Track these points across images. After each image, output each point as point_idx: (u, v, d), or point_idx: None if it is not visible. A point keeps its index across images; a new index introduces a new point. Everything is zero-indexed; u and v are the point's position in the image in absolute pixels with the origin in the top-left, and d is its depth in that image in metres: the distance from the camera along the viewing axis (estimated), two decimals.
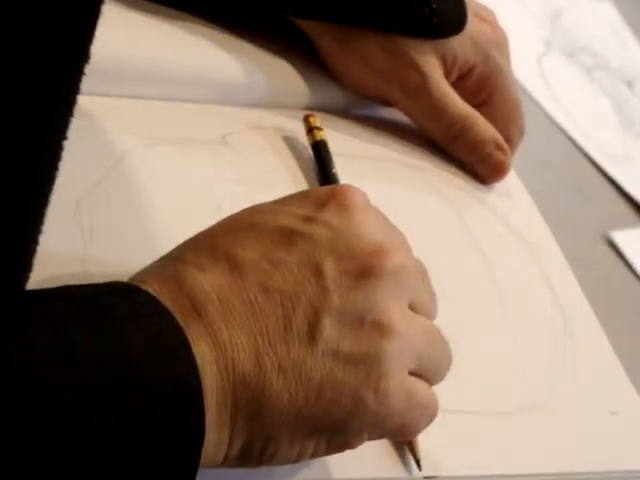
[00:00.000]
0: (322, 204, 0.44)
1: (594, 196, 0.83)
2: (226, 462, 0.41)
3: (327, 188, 0.45)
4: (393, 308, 0.42)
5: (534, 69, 0.94)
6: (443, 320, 0.59)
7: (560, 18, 1.05)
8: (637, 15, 1.13)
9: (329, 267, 0.41)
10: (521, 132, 0.72)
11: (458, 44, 0.68)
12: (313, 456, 0.42)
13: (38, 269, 0.48)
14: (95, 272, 0.50)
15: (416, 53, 0.67)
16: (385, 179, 0.67)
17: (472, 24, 0.69)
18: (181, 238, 0.54)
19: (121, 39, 0.63)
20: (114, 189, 0.56)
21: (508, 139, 0.70)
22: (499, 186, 0.71)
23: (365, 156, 0.68)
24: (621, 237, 0.78)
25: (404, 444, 0.51)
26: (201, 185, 0.59)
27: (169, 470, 0.37)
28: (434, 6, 0.66)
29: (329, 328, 0.41)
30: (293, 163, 0.65)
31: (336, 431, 0.42)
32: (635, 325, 0.71)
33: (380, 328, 0.42)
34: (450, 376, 0.55)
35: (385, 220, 0.46)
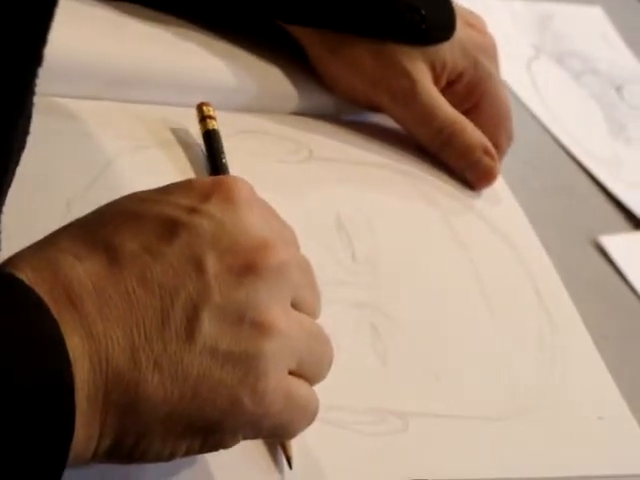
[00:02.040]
0: (206, 195, 0.42)
1: (583, 200, 0.83)
2: (95, 458, 0.39)
3: (212, 179, 0.44)
4: (274, 307, 0.41)
5: (523, 74, 0.95)
6: (431, 325, 0.59)
7: (549, 23, 1.05)
8: (626, 20, 1.13)
9: (211, 262, 0.40)
10: (509, 138, 0.72)
11: (447, 50, 0.69)
12: (186, 454, 0.41)
13: None
14: None
15: (406, 59, 0.68)
16: (374, 185, 0.67)
17: (461, 30, 0.69)
18: None
19: (111, 44, 0.63)
20: (104, 192, 0.56)
21: (497, 145, 0.71)
22: (487, 192, 0.71)
23: (354, 162, 0.68)
24: (609, 241, 0.78)
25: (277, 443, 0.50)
26: None
27: (36, 467, 0.36)
28: (423, 13, 0.67)
29: (208, 325, 0.39)
30: (281, 167, 0.65)
31: (211, 430, 0.41)
32: (622, 329, 0.71)
33: (260, 327, 0.40)
34: (439, 382, 0.56)
35: (271, 214, 0.45)
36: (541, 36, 1.02)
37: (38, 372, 0.35)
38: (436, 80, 0.69)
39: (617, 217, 0.83)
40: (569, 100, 0.95)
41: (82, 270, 0.38)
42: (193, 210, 0.41)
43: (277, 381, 0.41)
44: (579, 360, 0.63)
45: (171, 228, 0.40)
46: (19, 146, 0.44)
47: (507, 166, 0.74)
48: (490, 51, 0.71)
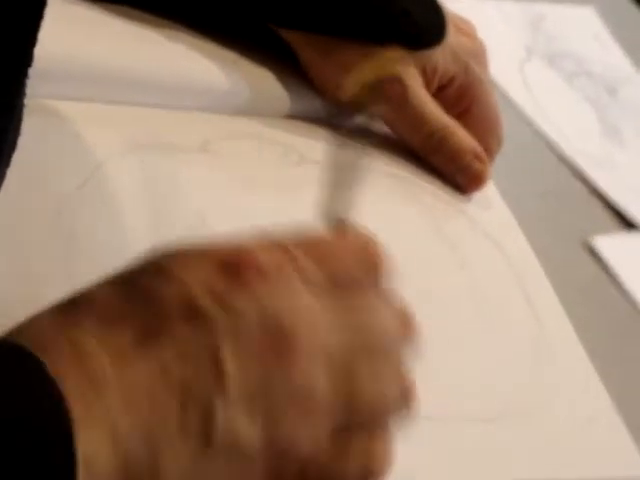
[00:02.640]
0: (227, 269, 0.39)
1: (575, 202, 0.83)
2: None
3: (233, 249, 0.40)
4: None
5: (516, 75, 0.95)
6: (421, 327, 0.59)
7: (542, 24, 1.05)
8: (619, 21, 1.14)
9: (229, 358, 0.37)
10: (500, 142, 0.73)
11: (438, 55, 0.69)
12: None
13: (21, 270, 0.49)
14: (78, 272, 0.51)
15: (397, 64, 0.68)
16: (365, 189, 0.68)
17: (452, 36, 0.69)
18: (161, 241, 0.54)
19: (103, 45, 0.64)
20: (96, 193, 0.56)
21: (487, 149, 0.71)
22: (478, 196, 0.72)
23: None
24: (602, 243, 0.78)
25: None
26: (182, 191, 0.60)
27: None
28: (415, 17, 0.67)
29: (222, 423, 0.37)
30: (274, 170, 0.65)
31: None
32: (614, 332, 0.71)
33: None
34: (427, 384, 0.56)
35: (291, 294, 0.40)
36: (533, 37, 1.02)
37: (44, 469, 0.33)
38: (427, 85, 0.69)
39: (609, 219, 0.83)
40: (561, 102, 0.95)
41: (107, 356, 0.36)
42: (214, 294, 0.38)
43: None
44: (568, 363, 0.63)
45: (194, 318, 0.37)
46: (10, 147, 0.44)
47: (499, 168, 0.75)
48: (480, 56, 0.71)
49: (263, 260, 0.39)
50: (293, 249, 0.41)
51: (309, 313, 0.40)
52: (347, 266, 0.43)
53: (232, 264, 0.39)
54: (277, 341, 0.38)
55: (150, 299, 0.38)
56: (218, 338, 0.37)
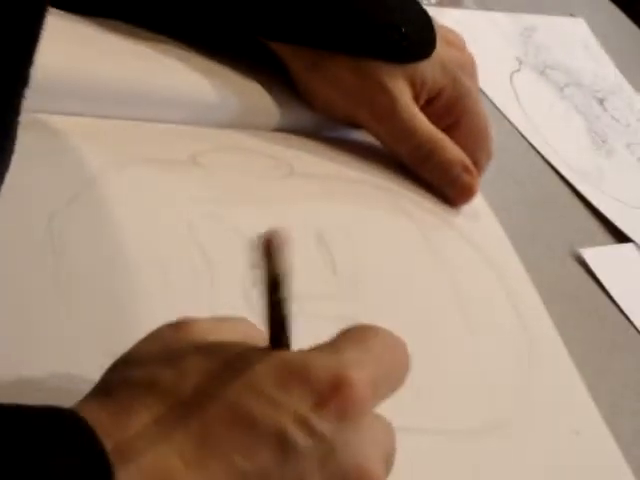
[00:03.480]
0: (323, 401, 0.39)
1: (564, 213, 0.83)
2: None
3: (331, 376, 0.39)
4: None
5: (506, 86, 0.95)
6: (409, 340, 0.59)
7: (532, 35, 1.06)
8: (609, 32, 1.14)
9: None
10: (489, 155, 0.73)
11: (427, 68, 0.69)
12: None
13: (8, 283, 0.49)
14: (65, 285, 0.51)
15: (386, 76, 0.68)
16: (354, 200, 0.68)
17: (441, 48, 0.70)
18: (151, 254, 0.54)
19: (93, 60, 0.63)
20: (86, 206, 0.56)
21: (475, 162, 0.71)
22: (466, 208, 0.72)
23: (334, 177, 0.68)
24: (590, 254, 0.78)
25: None
26: (172, 204, 0.60)
27: None
28: (404, 30, 0.67)
29: None
30: (263, 183, 0.65)
31: None
32: (603, 342, 0.71)
33: None
34: (413, 395, 0.56)
35: (374, 424, 0.42)
36: (524, 48, 1.02)
37: None
38: (416, 97, 0.70)
39: (598, 230, 0.83)
40: (551, 112, 0.96)
41: (181, 461, 0.36)
42: (306, 424, 0.38)
43: None
44: (555, 375, 0.63)
45: (283, 448, 0.38)
46: (4, 167, 0.44)
47: (489, 178, 0.75)
48: (469, 69, 0.72)
49: (359, 391, 0.40)
50: (374, 371, 0.41)
51: (379, 452, 0.41)
52: (397, 378, 0.44)
53: (329, 394, 0.39)
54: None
55: (243, 415, 0.38)
56: (304, 474, 0.38)
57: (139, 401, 0.38)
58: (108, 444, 0.35)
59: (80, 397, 0.39)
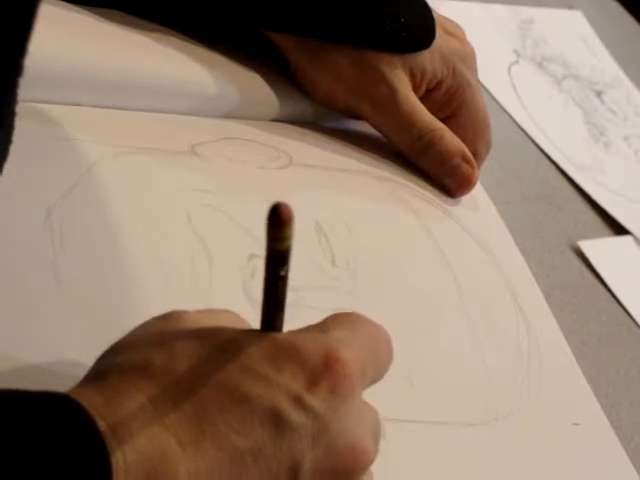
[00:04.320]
0: (316, 378, 0.40)
1: (563, 205, 0.83)
2: None
3: (323, 354, 0.41)
4: None
5: (504, 78, 0.95)
6: (409, 332, 0.59)
7: (530, 28, 1.05)
8: (606, 25, 1.14)
9: (307, 467, 0.39)
10: (488, 146, 0.73)
11: (427, 58, 0.69)
12: None
13: (8, 275, 0.48)
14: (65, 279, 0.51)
15: (385, 67, 0.68)
16: (353, 191, 0.68)
17: (441, 39, 0.70)
18: (150, 245, 0.54)
19: (93, 50, 0.63)
20: (85, 197, 0.56)
21: (475, 153, 0.71)
22: (466, 199, 0.72)
23: (334, 168, 0.68)
24: (589, 247, 0.78)
25: None
26: (171, 194, 0.59)
27: None
28: (403, 20, 0.67)
29: None
30: (263, 173, 0.65)
31: None
32: (602, 335, 0.71)
33: None
34: (415, 387, 0.56)
35: (363, 404, 0.43)
36: (522, 41, 1.02)
37: None
38: (415, 88, 0.70)
39: (597, 222, 0.83)
40: (550, 105, 0.96)
41: (185, 468, 0.37)
42: (299, 401, 0.39)
43: None
44: (555, 366, 0.63)
45: (277, 423, 0.39)
46: (1, 157, 0.44)
47: (487, 171, 0.75)
48: (469, 59, 0.72)
49: (350, 369, 0.41)
50: (361, 351, 0.42)
51: (369, 429, 0.42)
52: (383, 361, 0.45)
53: (321, 371, 0.40)
54: (353, 459, 0.41)
55: (237, 395, 0.39)
56: (298, 450, 0.39)
57: (132, 384, 0.38)
58: (103, 426, 0.35)
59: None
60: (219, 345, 0.40)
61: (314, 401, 0.39)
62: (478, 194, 0.73)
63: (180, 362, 0.39)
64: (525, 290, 0.67)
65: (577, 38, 1.09)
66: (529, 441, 0.57)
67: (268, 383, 0.39)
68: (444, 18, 0.73)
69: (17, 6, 0.35)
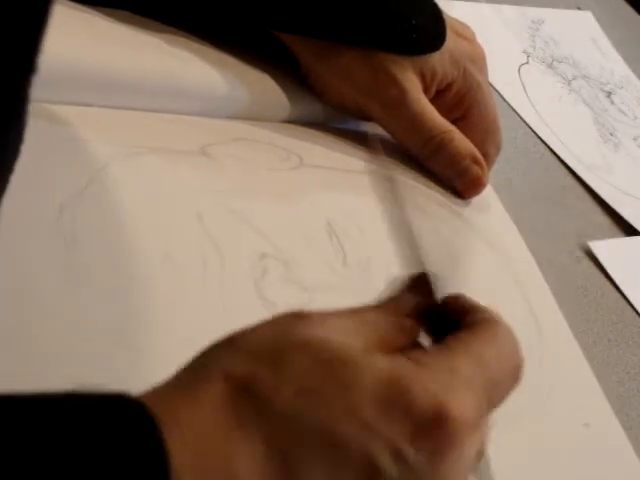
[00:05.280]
0: (421, 431, 0.36)
1: (572, 206, 0.83)
2: None
3: (434, 407, 0.37)
4: None
5: (514, 79, 0.95)
6: None
7: (540, 28, 1.05)
8: (616, 25, 1.14)
9: None
10: (498, 148, 0.73)
11: (437, 60, 0.69)
12: None
13: (20, 274, 0.49)
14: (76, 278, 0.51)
15: (396, 68, 0.68)
16: (363, 192, 0.68)
17: (451, 40, 0.70)
18: (162, 245, 0.54)
19: (104, 50, 0.63)
20: (96, 197, 0.56)
21: (485, 154, 0.71)
22: (476, 200, 0.72)
23: (344, 169, 0.68)
24: (599, 247, 0.78)
25: None
26: (181, 195, 0.60)
27: None
28: (414, 22, 0.67)
29: None
30: (273, 174, 0.65)
31: None
32: (612, 335, 0.71)
33: None
34: None
35: (470, 450, 0.39)
36: (532, 41, 1.02)
37: None
38: (426, 89, 0.70)
39: (607, 223, 0.83)
40: (559, 105, 0.96)
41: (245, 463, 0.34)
42: (399, 456, 0.36)
43: None
44: (566, 367, 0.63)
45: (372, 476, 0.36)
46: (14, 155, 0.44)
47: (497, 172, 0.75)
48: (479, 61, 0.72)
49: (460, 426, 0.37)
50: (481, 393, 0.40)
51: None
52: (504, 393, 0.43)
53: (429, 426, 0.37)
54: None
55: (334, 438, 0.36)
56: None
57: (230, 398, 0.36)
58: (177, 437, 0.33)
59: (92, 388, 0.38)
60: (336, 375, 0.37)
61: (414, 456, 0.36)
62: (488, 195, 0.73)
63: (286, 387, 0.36)
64: (535, 290, 0.67)
65: (587, 39, 1.09)
66: (539, 441, 0.57)
67: (370, 429, 0.36)
68: (454, 20, 0.73)
69: (32, 5, 0.36)
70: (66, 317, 0.48)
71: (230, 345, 0.38)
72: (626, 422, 0.62)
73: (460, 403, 0.37)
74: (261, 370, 0.36)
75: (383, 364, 0.38)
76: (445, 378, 0.38)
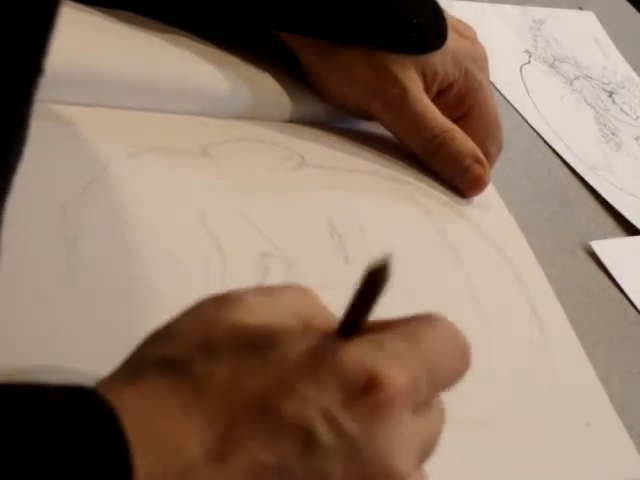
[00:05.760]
0: (353, 398, 0.37)
1: (574, 206, 0.83)
2: None
3: (366, 372, 0.38)
4: None
5: (516, 79, 0.95)
6: None
7: (542, 28, 1.05)
8: (618, 25, 1.14)
9: None
10: (499, 147, 0.73)
11: (439, 59, 0.69)
12: None
13: (22, 274, 0.49)
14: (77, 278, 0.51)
15: (397, 68, 0.68)
16: (365, 191, 0.68)
17: (452, 40, 0.70)
18: (164, 244, 0.54)
19: (106, 51, 0.63)
20: (98, 196, 0.56)
21: (487, 154, 0.71)
22: (478, 199, 0.72)
23: (346, 169, 0.68)
24: (601, 247, 0.78)
25: None
26: (183, 194, 0.60)
27: None
28: (416, 21, 0.67)
29: None
30: (275, 174, 0.65)
31: None
32: (614, 335, 0.71)
33: None
34: None
35: (408, 422, 0.40)
36: (533, 41, 1.02)
37: None
38: (427, 89, 0.70)
39: (609, 222, 0.83)
40: (561, 105, 0.96)
41: (200, 447, 0.36)
42: (332, 421, 0.37)
43: None
44: (568, 366, 0.63)
45: (308, 442, 0.37)
46: (18, 157, 0.44)
47: (498, 171, 0.75)
48: (481, 61, 0.72)
49: (392, 393, 0.38)
50: (416, 368, 0.40)
51: (409, 450, 0.39)
52: (447, 372, 0.43)
53: (361, 392, 0.38)
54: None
55: (271, 410, 0.37)
56: (326, 471, 0.37)
57: (168, 386, 0.37)
58: (128, 428, 0.34)
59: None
60: (263, 351, 0.38)
61: (348, 422, 0.37)
62: (490, 194, 0.73)
63: (220, 368, 0.37)
64: (537, 290, 0.67)
65: (589, 38, 1.09)
66: (540, 440, 0.57)
67: (304, 399, 0.37)
68: (456, 19, 0.73)
69: (40, 6, 0.36)
70: (67, 317, 0.48)
71: (159, 336, 0.40)
72: (628, 421, 0.62)
73: (390, 371, 0.38)
74: (193, 354, 0.38)
75: (306, 338, 0.39)
76: (374, 351, 0.39)
